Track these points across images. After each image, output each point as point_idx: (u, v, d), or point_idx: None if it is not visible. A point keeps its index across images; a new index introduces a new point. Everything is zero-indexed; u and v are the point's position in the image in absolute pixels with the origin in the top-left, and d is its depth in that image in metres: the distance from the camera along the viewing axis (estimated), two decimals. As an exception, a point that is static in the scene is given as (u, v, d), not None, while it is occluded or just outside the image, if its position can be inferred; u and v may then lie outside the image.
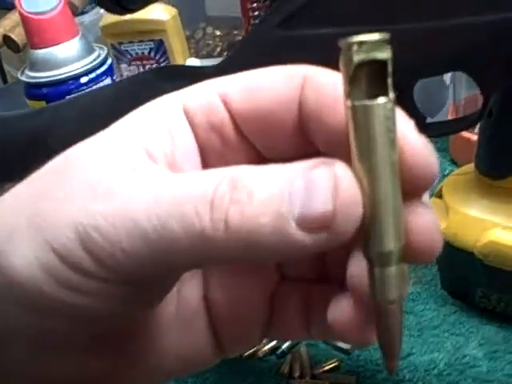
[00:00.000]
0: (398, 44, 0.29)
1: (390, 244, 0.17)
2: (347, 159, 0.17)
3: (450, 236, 0.45)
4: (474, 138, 0.46)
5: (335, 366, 0.44)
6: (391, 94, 0.16)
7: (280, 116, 0.19)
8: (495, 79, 0.32)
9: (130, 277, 0.18)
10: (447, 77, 0.72)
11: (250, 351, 0.46)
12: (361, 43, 0.16)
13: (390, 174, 0.17)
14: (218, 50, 0.89)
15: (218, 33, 0.91)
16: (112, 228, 0.17)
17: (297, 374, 0.44)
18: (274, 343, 0.46)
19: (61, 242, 0.17)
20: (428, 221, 0.18)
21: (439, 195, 0.47)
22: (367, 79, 0.16)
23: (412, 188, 0.18)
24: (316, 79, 0.19)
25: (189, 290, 0.23)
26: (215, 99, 0.20)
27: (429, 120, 0.37)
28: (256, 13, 0.78)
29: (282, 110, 0.19)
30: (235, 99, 0.20)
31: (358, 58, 0.16)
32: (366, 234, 0.17)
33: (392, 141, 0.16)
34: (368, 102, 0.16)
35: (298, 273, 0.24)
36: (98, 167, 0.18)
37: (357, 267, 0.19)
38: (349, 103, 0.16)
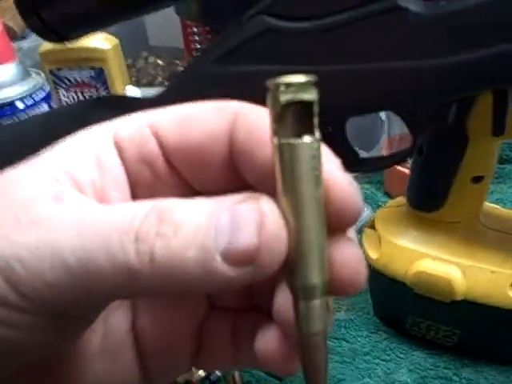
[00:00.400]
0: (329, 84, 0.31)
1: (314, 278, 0.17)
2: (275, 195, 0.17)
3: (382, 265, 0.46)
4: (408, 171, 0.48)
5: (269, 394, 0.44)
6: (317, 134, 0.17)
7: (210, 150, 0.19)
8: (422, 121, 0.34)
9: (55, 309, 0.17)
10: (382, 113, 0.75)
11: (184, 377, 0.46)
12: (288, 85, 0.16)
13: (314, 211, 0.17)
14: (160, 79, 0.90)
15: (159, 62, 0.92)
16: (36, 260, 0.16)
17: (231, 402, 0.44)
18: (208, 371, 0.46)
19: None
20: (352, 254, 0.18)
21: (372, 226, 0.49)
22: (294, 118, 0.17)
23: (337, 223, 0.18)
24: (247, 115, 0.19)
25: (116, 321, 0.23)
26: (146, 131, 0.20)
27: (362, 155, 0.38)
28: (198, 44, 0.79)
29: (213, 144, 0.19)
30: (166, 132, 0.20)
31: (284, 98, 0.16)
32: (290, 268, 0.18)
33: (317, 178, 0.17)
34: (294, 141, 0.16)
35: (227, 303, 0.24)
36: (21, 195, 0.18)
37: (283, 300, 0.19)
38: (275, 141, 0.17)
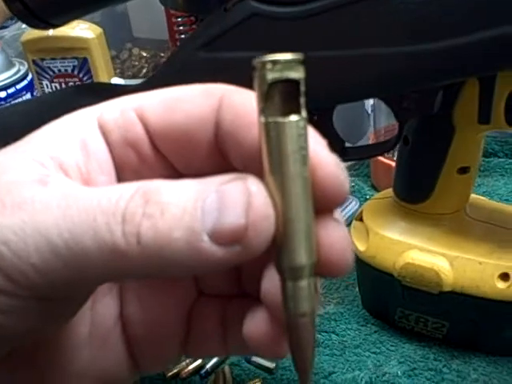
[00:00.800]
0: (317, 70, 0.31)
1: (302, 258, 0.17)
2: (261, 177, 0.17)
3: (370, 258, 0.46)
4: (394, 164, 0.48)
5: (258, 386, 0.44)
6: (304, 113, 0.17)
7: (196, 133, 0.19)
8: (409, 108, 0.34)
9: (42, 292, 0.17)
10: (368, 106, 0.75)
11: (174, 371, 0.45)
12: (274, 62, 0.16)
13: (301, 190, 0.17)
14: (144, 71, 0.89)
15: (144, 54, 0.91)
16: (22, 243, 0.16)
17: (220, 395, 0.43)
18: (197, 363, 0.46)
19: None
20: (339, 236, 0.18)
21: (360, 218, 0.49)
22: (280, 97, 0.17)
23: (324, 204, 0.18)
24: (232, 98, 0.19)
25: (103, 308, 0.23)
26: (131, 114, 0.20)
27: (347, 145, 0.38)
28: (183, 36, 0.79)
29: (198, 128, 0.19)
30: (151, 115, 0.20)
31: (271, 76, 0.16)
32: (278, 249, 0.18)
33: (304, 158, 0.17)
34: (280, 119, 0.16)
35: (215, 289, 0.24)
36: (6, 179, 0.17)
37: (270, 281, 0.19)
38: (262, 120, 0.17)
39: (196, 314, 0.23)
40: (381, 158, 0.65)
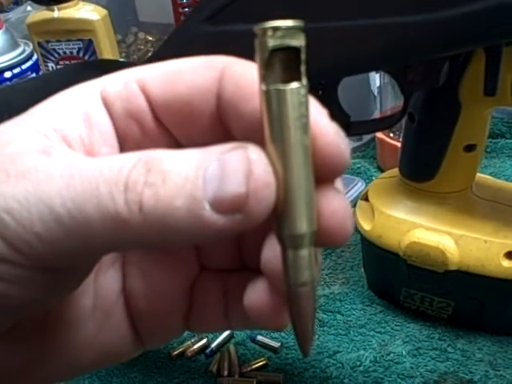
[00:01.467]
0: (322, 42, 0.30)
1: (303, 227, 0.17)
2: (263, 146, 0.17)
3: (375, 237, 0.46)
4: (400, 145, 0.48)
5: (263, 365, 0.44)
6: (304, 80, 0.17)
7: (198, 104, 0.19)
8: (414, 81, 0.34)
9: (46, 262, 0.17)
10: (375, 88, 0.75)
11: (179, 350, 0.46)
12: (275, 29, 0.16)
13: (302, 159, 0.17)
14: (150, 55, 0.89)
15: (149, 38, 0.91)
16: (25, 212, 0.16)
17: (225, 373, 0.44)
18: (203, 342, 0.46)
19: None
20: (339, 205, 0.18)
21: (365, 198, 0.49)
22: (281, 65, 0.17)
23: (324, 174, 0.18)
24: (234, 69, 0.19)
25: (107, 282, 0.23)
26: (133, 87, 0.20)
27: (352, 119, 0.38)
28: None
29: (200, 99, 0.19)
30: (154, 87, 0.20)
31: (272, 43, 0.16)
32: (279, 217, 0.18)
33: (304, 126, 0.17)
34: (281, 87, 0.16)
35: (217, 263, 0.24)
36: (10, 150, 0.18)
37: (271, 251, 0.19)
38: (263, 87, 0.17)
39: (198, 287, 0.23)
40: (387, 139, 0.65)
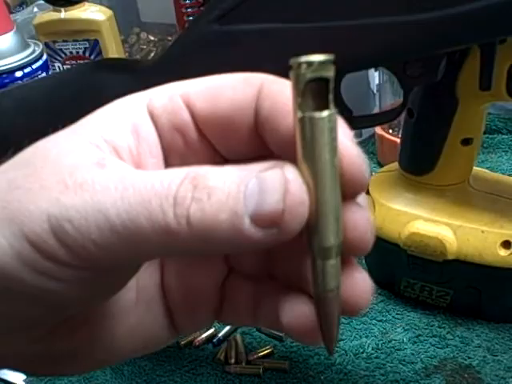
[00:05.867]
0: (324, 40, 0.32)
1: (331, 239, 0.19)
2: (296, 161, 0.19)
3: (376, 229, 0.46)
4: (399, 141, 0.50)
5: (269, 352, 0.46)
6: (333, 108, 0.18)
7: (238, 119, 0.21)
8: (412, 76, 0.35)
9: (100, 265, 0.19)
10: (374, 85, 0.76)
11: (187, 340, 0.47)
12: (309, 64, 0.18)
13: (332, 177, 0.18)
14: (152, 54, 0.90)
15: (152, 38, 0.92)
16: (83, 220, 0.18)
17: (232, 361, 0.45)
18: (210, 331, 0.48)
19: (35, 232, 0.18)
20: (362, 219, 0.20)
21: (366, 191, 0.50)
22: (312, 93, 0.18)
23: (348, 190, 0.19)
24: (271, 86, 0.20)
25: (147, 278, 0.25)
26: (178, 101, 0.21)
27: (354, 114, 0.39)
28: (191, 19, 0.80)
29: (240, 114, 0.20)
30: (197, 102, 0.21)
31: (308, 76, 0.18)
32: (309, 231, 0.19)
33: (334, 148, 0.18)
34: (315, 115, 0.18)
35: (245, 269, 0.25)
36: (67, 162, 0.19)
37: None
38: (299, 115, 0.18)
39: (228, 286, 0.25)
40: (386, 135, 0.66)
